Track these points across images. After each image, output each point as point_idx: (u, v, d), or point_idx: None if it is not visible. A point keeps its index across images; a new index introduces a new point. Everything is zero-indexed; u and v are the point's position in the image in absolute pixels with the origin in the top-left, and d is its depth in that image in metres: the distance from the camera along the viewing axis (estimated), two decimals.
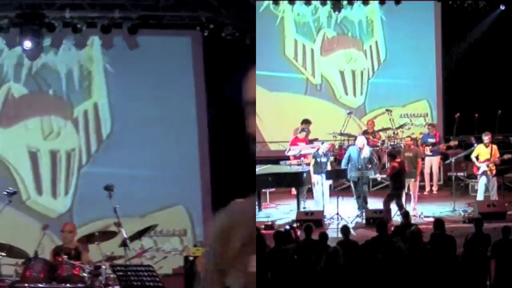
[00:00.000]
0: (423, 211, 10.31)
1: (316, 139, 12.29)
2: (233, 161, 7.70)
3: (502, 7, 13.64)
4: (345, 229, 7.54)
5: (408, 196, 10.26)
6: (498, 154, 10.47)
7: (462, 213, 9.85)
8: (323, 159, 10.57)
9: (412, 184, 10.30)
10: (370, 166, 10.50)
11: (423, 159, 12.18)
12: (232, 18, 9.77)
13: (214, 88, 10.53)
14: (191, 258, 7.98)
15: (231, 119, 9.55)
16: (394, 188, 10.04)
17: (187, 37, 10.81)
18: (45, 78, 10.74)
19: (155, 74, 10.59)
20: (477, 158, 10.48)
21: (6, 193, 7.79)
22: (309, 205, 10.87)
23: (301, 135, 12.09)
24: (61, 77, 10.74)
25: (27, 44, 9.87)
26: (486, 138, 10.51)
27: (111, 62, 10.70)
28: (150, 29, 10.22)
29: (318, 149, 10.75)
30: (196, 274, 6.95)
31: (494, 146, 10.55)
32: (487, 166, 10.35)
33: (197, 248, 8.16)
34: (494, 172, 10.32)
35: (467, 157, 11.65)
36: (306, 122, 12.78)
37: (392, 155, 10.53)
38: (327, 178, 10.35)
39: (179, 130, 10.73)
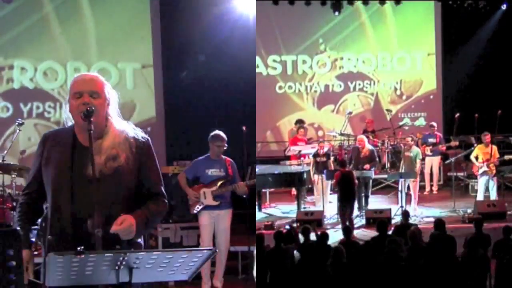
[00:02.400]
0: (423, 211, 10.31)
1: (315, 140, 12.31)
2: None
3: (504, 7, 13.65)
4: (347, 229, 7.54)
5: (408, 196, 10.24)
6: (498, 155, 10.47)
7: (462, 213, 9.84)
8: (323, 159, 10.58)
9: (412, 184, 10.30)
10: (373, 164, 10.49)
11: (423, 159, 12.18)
12: None
13: None
14: (170, 174, 8.36)
15: None
16: (340, 199, 9.49)
17: None
18: None
19: None
20: (476, 158, 10.48)
21: (17, 123, 7.83)
22: (309, 205, 10.87)
23: (300, 134, 12.09)
24: None
25: None
26: (485, 138, 10.50)
27: None
28: None
29: (318, 149, 10.75)
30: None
31: (494, 147, 10.54)
32: (487, 166, 10.35)
33: (174, 167, 8.64)
34: (494, 172, 10.32)
35: (467, 157, 11.65)
36: (300, 122, 12.81)
37: (341, 163, 9.90)
38: (327, 178, 10.34)
39: None
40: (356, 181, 9.69)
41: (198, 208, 7.31)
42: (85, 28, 11.61)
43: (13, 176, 7.77)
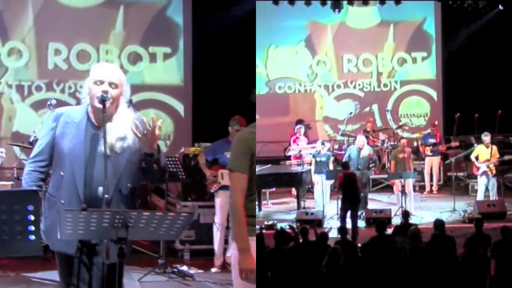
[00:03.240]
0: (423, 211, 10.31)
1: (315, 140, 12.31)
2: None
3: (501, 7, 13.64)
4: (342, 229, 7.55)
5: (406, 195, 10.25)
6: (498, 155, 10.46)
7: (462, 213, 9.84)
8: (323, 159, 10.57)
9: (407, 184, 10.26)
10: (372, 165, 10.48)
11: (423, 159, 12.19)
12: None
13: None
14: (191, 155, 8.79)
15: None
16: (342, 201, 9.20)
17: None
18: None
19: None
20: (477, 158, 10.48)
21: (49, 103, 7.90)
22: (309, 205, 10.86)
23: (299, 133, 12.11)
24: None
25: None
26: (486, 138, 10.50)
27: None
28: None
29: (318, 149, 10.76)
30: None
31: (494, 147, 10.54)
32: (487, 166, 10.35)
33: (195, 148, 9.14)
34: (494, 172, 10.32)
35: (467, 157, 11.65)
36: (300, 122, 12.83)
37: (344, 165, 9.73)
38: (327, 178, 10.34)
39: None
40: (360, 184, 9.65)
41: (215, 187, 7.64)
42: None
43: None
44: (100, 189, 3.56)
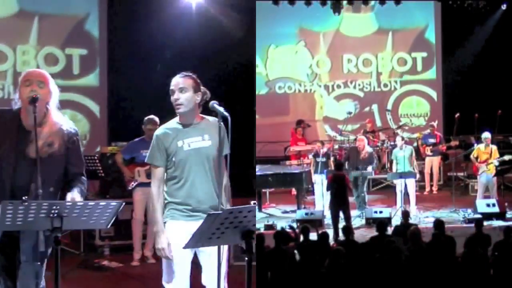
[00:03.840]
0: (423, 212, 10.31)
1: (315, 140, 12.32)
2: None
3: (504, 7, 13.65)
4: (347, 229, 7.53)
5: (407, 196, 10.24)
6: (497, 155, 10.45)
7: (462, 213, 9.84)
8: (323, 159, 10.57)
9: (409, 184, 10.26)
10: (371, 165, 10.48)
11: (423, 159, 12.19)
12: None
13: None
14: (108, 154, 9.18)
15: None
16: (331, 204, 9.22)
17: None
18: None
19: None
20: (477, 158, 10.48)
21: None
22: (309, 205, 10.86)
23: (299, 133, 12.12)
24: None
25: None
26: (486, 138, 10.50)
27: None
28: None
29: (317, 149, 10.75)
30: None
31: (494, 147, 10.53)
32: (486, 166, 10.35)
33: (112, 147, 9.47)
34: (493, 172, 10.32)
35: (467, 157, 11.64)
36: (301, 122, 12.83)
37: (337, 166, 9.66)
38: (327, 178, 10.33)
39: None
40: (351, 186, 9.62)
41: (132, 185, 7.94)
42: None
43: None
44: (25, 195, 3.55)
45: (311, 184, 10.96)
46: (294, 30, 14.75)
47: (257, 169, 10.53)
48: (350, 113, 13.57)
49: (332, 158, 11.10)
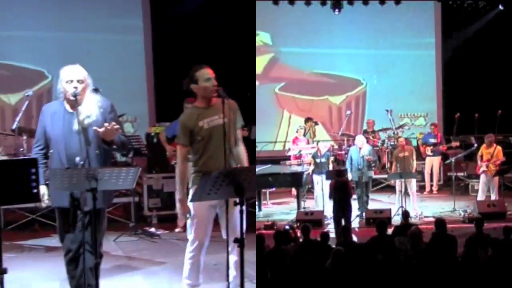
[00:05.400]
0: (423, 211, 10.30)
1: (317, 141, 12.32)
2: None
3: (501, 7, 13.64)
4: (345, 230, 7.53)
5: (407, 195, 10.24)
6: (501, 156, 10.42)
7: (462, 213, 9.84)
8: (323, 159, 10.57)
9: (409, 184, 10.27)
10: (373, 165, 10.48)
11: (423, 159, 12.20)
12: None
13: None
14: (153, 133, 9.90)
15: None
16: (334, 209, 9.20)
17: None
18: None
19: None
20: (481, 157, 10.49)
21: (26, 95, 8.82)
22: (309, 205, 10.86)
23: (299, 134, 12.13)
24: None
25: None
26: (487, 139, 10.49)
27: None
28: None
29: (317, 149, 10.76)
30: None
31: (498, 148, 10.52)
32: (487, 166, 10.36)
33: (156, 127, 10.16)
34: (493, 172, 10.32)
35: (467, 157, 11.65)
36: (308, 120, 12.82)
37: (338, 173, 9.61)
38: (327, 178, 10.33)
39: None
40: (353, 191, 9.62)
41: (175, 160, 8.04)
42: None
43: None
44: (77, 158, 4.88)
45: (311, 184, 10.96)
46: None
47: (257, 169, 10.53)
48: (350, 113, 13.59)
49: (332, 158, 11.09)
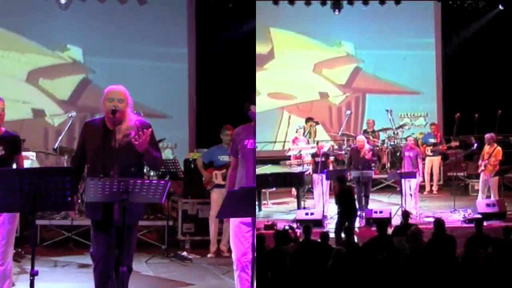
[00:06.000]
0: (423, 212, 10.30)
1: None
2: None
3: (501, 7, 13.65)
4: (348, 230, 7.53)
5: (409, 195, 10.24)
6: (499, 156, 10.41)
7: (462, 213, 9.84)
8: (323, 159, 10.56)
9: (412, 184, 10.27)
10: (373, 165, 10.48)
11: (423, 159, 12.19)
12: None
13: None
14: (190, 159, 10.00)
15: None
16: (339, 216, 9.12)
17: None
18: None
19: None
20: (483, 157, 10.50)
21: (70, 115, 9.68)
22: (309, 205, 10.86)
23: (299, 134, 12.14)
24: None
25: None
26: (487, 139, 10.48)
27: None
28: None
29: (317, 149, 10.75)
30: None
31: (498, 148, 10.49)
32: (485, 165, 10.36)
33: (194, 153, 10.35)
34: (492, 172, 10.31)
35: (467, 157, 11.66)
36: (309, 120, 12.82)
37: (340, 179, 9.48)
38: (327, 178, 10.33)
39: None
40: (356, 197, 9.63)
41: (210, 186, 8.90)
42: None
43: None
44: (112, 172, 4.96)
45: (311, 184, 10.96)
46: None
47: (257, 169, 10.51)
48: (350, 113, 13.59)
49: (331, 158, 11.09)
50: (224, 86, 12.32)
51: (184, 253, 8.92)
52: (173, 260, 8.61)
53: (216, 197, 8.68)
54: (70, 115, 9.44)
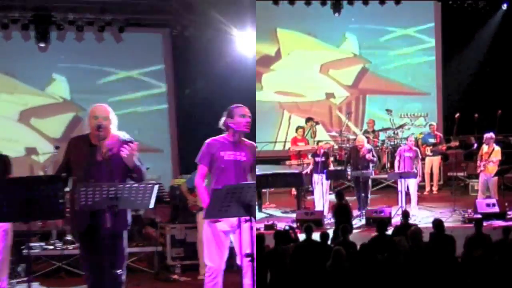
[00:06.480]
0: (423, 212, 10.31)
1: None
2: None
3: (504, 7, 13.64)
4: (344, 229, 7.53)
5: (408, 196, 10.24)
6: (498, 156, 10.40)
7: (462, 213, 9.84)
8: (323, 159, 10.57)
9: (412, 184, 10.27)
10: (372, 165, 10.48)
11: (423, 159, 12.19)
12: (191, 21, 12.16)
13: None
14: (175, 185, 10.32)
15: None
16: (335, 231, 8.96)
17: (159, 34, 13.23)
18: None
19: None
20: (481, 157, 10.50)
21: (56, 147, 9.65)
22: (309, 205, 10.87)
23: (299, 134, 12.15)
24: None
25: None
26: (486, 138, 10.49)
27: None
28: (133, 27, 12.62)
29: (317, 149, 10.76)
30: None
31: (496, 148, 10.48)
32: (484, 166, 10.36)
33: (179, 179, 10.60)
34: (493, 172, 10.30)
35: (467, 157, 11.66)
36: (309, 120, 12.82)
37: (338, 195, 9.49)
38: (327, 178, 10.34)
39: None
40: (353, 213, 9.58)
41: (196, 209, 8.95)
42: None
43: None
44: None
45: (311, 184, 10.97)
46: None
47: (257, 169, 10.51)
48: (349, 113, 13.59)
49: (332, 158, 11.09)
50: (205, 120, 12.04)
51: (175, 276, 9.07)
52: (164, 283, 8.85)
53: (202, 220, 8.60)
54: (55, 146, 9.62)
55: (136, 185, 4.72)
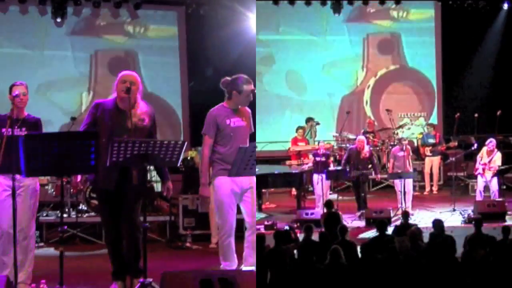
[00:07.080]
0: (423, 212, 10.31)
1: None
2: None
3: (505, 7, 13.65)
4: (342, 229, 7.53)
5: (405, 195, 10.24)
6: (498, 163, 10.34)
7: (462, 213, 9.84)
8: (323, 159, 10.57)
9: (407, 184, 10.24)
10: (370, 166, 10.48)
11: (423, 159, 12.20)
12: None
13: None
14: (189, 157, 10.44)
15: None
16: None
17: (174, 11, 13.30)
18: None
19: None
20: (481, 159, 10.48)
21: None
22: (309, 205, 10.87)
23: (299, 134, 12.14)
24: None
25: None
26: (488, 144, 10.43)
27: None
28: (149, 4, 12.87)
29: (317, 149, 10.76)
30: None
31: (498, 153, 10.43)
32: (483, 169, 10.34)
33: (193, 151, 10.64)
34: (490, 175, 10.28)
35: (467, 157, 11.65)
36: (309, 120, 12.81)
37: (327, 204, 9.32)
38: (327, 178, 10.34)
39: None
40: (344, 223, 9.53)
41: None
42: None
43: None
44: None
45: (311, 184, 10.97)
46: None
47: (257, 169, 10.51)
48: (348, 113, 13.58)
49: (332, 158, 11.09)
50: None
51: (187, 244, 9.24)
52: (176, 250, 9.04)
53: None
54: (71, 121, 9.84)
55: (166, 142, 4.78)
